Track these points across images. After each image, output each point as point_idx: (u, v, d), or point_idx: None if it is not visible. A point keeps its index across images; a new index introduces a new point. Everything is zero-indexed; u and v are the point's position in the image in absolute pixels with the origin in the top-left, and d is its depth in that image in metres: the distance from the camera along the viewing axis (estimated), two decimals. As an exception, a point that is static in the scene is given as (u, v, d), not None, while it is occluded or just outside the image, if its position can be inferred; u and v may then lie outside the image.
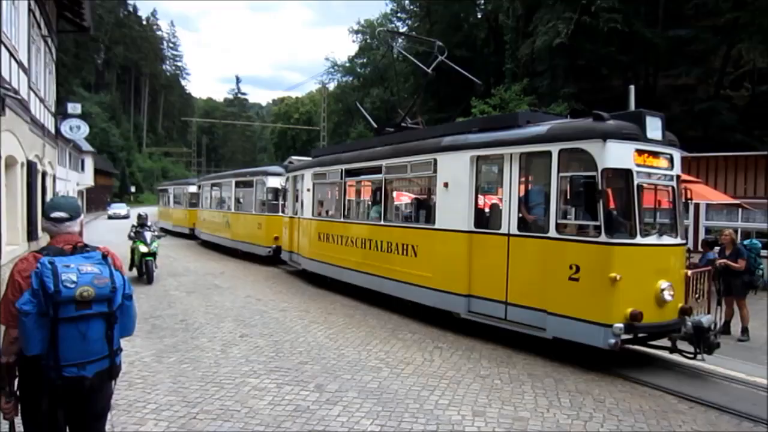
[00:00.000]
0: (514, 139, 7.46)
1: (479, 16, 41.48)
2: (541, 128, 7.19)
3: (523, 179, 7.52)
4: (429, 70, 12.11)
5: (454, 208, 8.22)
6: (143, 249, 12.47)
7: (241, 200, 19.61)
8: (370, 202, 11.82)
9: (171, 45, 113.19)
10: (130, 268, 12.56)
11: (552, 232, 6.74)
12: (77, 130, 22.98)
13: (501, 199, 7.65)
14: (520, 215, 7.30)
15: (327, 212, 13.11)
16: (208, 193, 23.45)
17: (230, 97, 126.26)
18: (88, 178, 47.38)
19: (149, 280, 12.32)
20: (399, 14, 53.62)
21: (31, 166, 11.90)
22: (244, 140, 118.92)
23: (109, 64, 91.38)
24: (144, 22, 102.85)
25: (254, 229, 17.38)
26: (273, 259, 16.35)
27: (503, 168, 7.54)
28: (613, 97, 26.10)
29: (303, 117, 79.30)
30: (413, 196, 12.15)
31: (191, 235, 26.03)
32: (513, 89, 27.80)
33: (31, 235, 11.71)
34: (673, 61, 27.89)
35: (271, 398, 5.36)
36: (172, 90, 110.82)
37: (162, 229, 28.97)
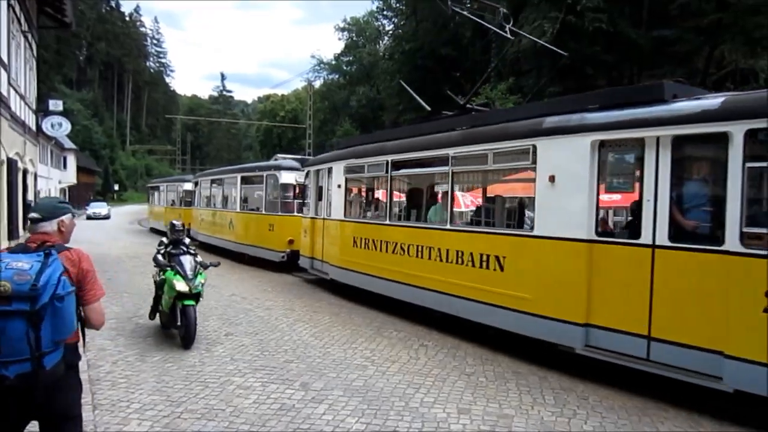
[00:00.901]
0: (662, 118, 5.59)
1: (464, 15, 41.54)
2: (708, 102, 5.40)
3: (677, 171, 5.58)
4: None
5: (564, 210, 6.37)
6: (181, 287, 7.01)
7: (248, 198, 17.55)
8: (426, 201, 9.71)
9: (155, 42, 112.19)
10: (152, 316, 7.87)
11: (733, 245, 4.92)
12: (59, 127, 22.67)
13: (640, 198, 5.81)
14: (674, 220, 5.48)
15: (365, 213, 11.33)
16: (207, 190, 21.08)
17: (215, 94, 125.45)
18: (70, 176, 46.82)
19: (187, 343, 6.98)
20: (385, 12, 53.56)
21: (11, 164, 11.72)
22: (230, 138, 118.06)
23: (91, 60, 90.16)
24: (127, 18, 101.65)
25: (264, 232, 15.28)
26: (287, 265, 14.46)
27: (644, 156, 5.71)
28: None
29: (289, 115, 78.95)
30: (499, 192, 9.68)
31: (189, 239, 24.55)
32: (499, 88, 27.93)
33: (12, 234, 11.53)
34: (657, 62, 28.22)
35: (256, 397, 5.34)
36: (156, 87, 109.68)
37: (152, 230, 28.08)
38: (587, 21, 24.23)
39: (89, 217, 42.78)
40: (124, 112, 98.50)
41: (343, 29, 64.06)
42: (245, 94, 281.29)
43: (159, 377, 5.84)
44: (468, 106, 9.59)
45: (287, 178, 14.92)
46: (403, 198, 10.84)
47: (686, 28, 25.88)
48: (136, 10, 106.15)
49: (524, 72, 29.88)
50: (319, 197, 12.35)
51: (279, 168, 15.26)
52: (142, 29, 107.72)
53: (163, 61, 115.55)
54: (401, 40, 42.59)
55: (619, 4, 25.89)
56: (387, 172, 9.72)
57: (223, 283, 12.68)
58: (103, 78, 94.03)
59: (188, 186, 24.45)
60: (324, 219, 11.86)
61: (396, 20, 48.98)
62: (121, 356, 6.58)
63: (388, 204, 9.86)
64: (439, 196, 9.85)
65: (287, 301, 10.62)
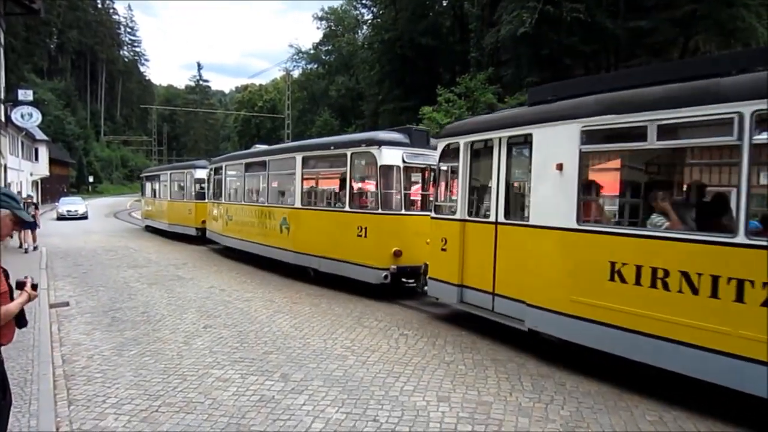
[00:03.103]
0: None
1: (444, 4, 41.55)
2: None
3: None
4: None
5: None
6: None
7: (315, 191, 12.45)
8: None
9: (129, 30, 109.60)
10: None
11: None
12: (29, 117, 22.14)
13: None
14: None
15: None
16: (236, 178, 16.14)
17: (192, 84, 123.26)
18: (42, 168, 45.73)
19: None
20: (364, 1, 53.24)
21: (-21, 155, 11.38)
22: (207, 128, 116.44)
23: (62, 49, 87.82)
24: (99, 6, 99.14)
25: (350, 238, 10.24)
26: (390, 289, 10.03)
27: None
28: (575, 87, 26.58)
29: (267, 105, 78.31)
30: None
31: (199, 239, 19.20)
32: (478, 78, 28.02)
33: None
34: (633, 52, 28.56)
35: (235, 389, 5.31)
36: (130, 76, 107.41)
37: (147, 228, 25.20)
38: (565, 11, 24.39)
39: (61, 217, 32.42)
40: (98, 102, 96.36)
41: (321, 18, 63.56)
42: (223, 83, 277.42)
43: (136, 371, 5.77)
44: None
45: (391, 157, 9.92)
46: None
47: (662, 18, 26.20)
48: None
49: (504, 62, 29.97)
50: (472, 191, 7.92)
51: (377, 142, 9.97)
52: (116, 17, 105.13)
53: (137, 49, 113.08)
54: (380, 29, 42.41)
55: (597, -5, 26.10)
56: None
57: (202, 275, 12.57)
58: (75, 67, 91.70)
59: (201, 173, 19.80)
60: (502, 224, 7.11)
61: (375, 9, 48.71)
62: (97, 351, 6.48)
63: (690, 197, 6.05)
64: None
65: (267, 292, 10.55)
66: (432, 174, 9.30)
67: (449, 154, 8.24)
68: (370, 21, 51.17)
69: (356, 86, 54.46)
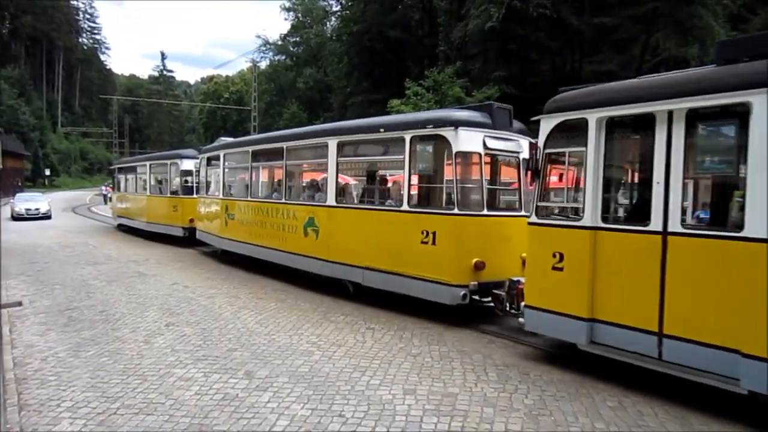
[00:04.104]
0: None
1: (413, -3, 41.49)
2: None
3: None
4: None
5: None
6: None
7: (350, 186, 11.08)
8: None
9: (88, 16, 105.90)
10: None
11: None
12: (-21, 106, 21.09)
13: None
14: None
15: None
16: (241, 169, 13.57)
17: (155, 74, 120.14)
18: (-5, 160, 43.80)
19: None
20: (332, -8, 52.76)
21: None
22: (172, 120, 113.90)
23: (15, 35, 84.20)
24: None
25: (410, 245, 8.02)
26: (464, 311, 7.80)
27: None
28: (543, 82, 27.04)
29: (233, 96, 77.06)
30: None
31: (186, 239, 16.83)
32: (446, 72, 28.08)
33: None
34: (597, 48, 29.14)
35: (198, 388, 5.19)
36: (90, 65, 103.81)
37: (121, 227, 22.54)
38: (532, 7, 24.66)
39: (18, 217, 27.01)
40: (55, 91, 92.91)
41: (288, 9, 62.69)
42: (188, 74, 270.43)
43: (93, 372, 5.58)
44: None
45: (470, 141, 7.69)
46: None
47: (625, 16, 26.76)
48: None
49: (472, 56, 30.11)
50: (619, 181, 6.34)
51: (452, 123, 7.69)
52: (74, 2, 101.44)
53: (97, 37, 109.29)
54: (349, 21, 42.07)
55: (562, -9, 26.46)
56: None
57: (165, 271, 12.27)
58: (30, 54, 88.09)
59: (188, 164, 17.40)
60: (680, 235, 4.99)
61: (343, 1, 48.30)
62: (52, 352, 6.24)
63: None
64: None
65: (232, 288, 10.37)
66: (530, 162, 6.50)
67: (563, 134, 6.09)
68: (338, 13, 50.75)
69: (324, 79, 54.02)
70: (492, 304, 7.42)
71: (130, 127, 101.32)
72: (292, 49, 64.86)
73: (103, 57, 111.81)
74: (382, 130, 8.91)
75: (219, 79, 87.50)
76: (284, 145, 11.08)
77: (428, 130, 8.02)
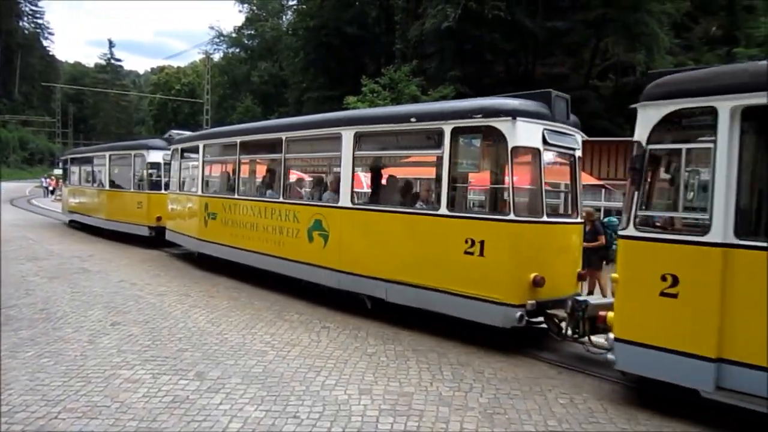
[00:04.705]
0: None
1: (371, -6, 41.43)
2: None
3: None
4: None
5: None
6: None
7: (385, 184, 9.17)
8: None
9: None
10: None
11: None
12: None
13: None
14: None
15: None
16: (226, 163, 12.21)
17: (102, 62, 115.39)
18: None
19: None
20: (288, -14, 52.03)
21: None
22: (119, 111, 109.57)
23: (-50, 16, 79.37)
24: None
25: (450, 255, 6.86)
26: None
27: None
28: (497, 82, 27.54)
29: (185, 88, 75.06)
30: None
31: (154, 239, 15.07)
32: (403, 70, 28.20)
33: None
34: (550, 51, 29.95)
35: (146, 390, 5.00)
36: (31, 50, 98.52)
37: (73, 224, 20.55)
38: (487, 8, 25.08)
39: None
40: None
41: (243, 1, 61.40)
42: (137, 63, 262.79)
43: (33, 375, 5.29)
44: None
45: (528, 135, 6.63)
46: None
47: (576, 20, 27.59)
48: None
49: (428, 55, 30.35)
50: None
51: (508, 113, 6.54)
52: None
53: (39, 21, 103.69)
54: (305, 15, 41.60)
55: (517, -6, 27.04)
56: None
57: (111, 268, 11.81)
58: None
59: (156, 156, 15.71)
60: None
61: (300, -4, 47.69)
62: (-13, 352, 5.89)
63: None
64: None
65: (182, 286, 10.08)
66: (633, 161, 5.04)
67: (676, 127, 5.10)
68: (295, 7, 50.09)
69: (280, 73, 53.24)
70: (545, 326, 6.60)
71: (74, 116, 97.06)
72: (246, 41, 63.61)
73: (46, 43, 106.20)
74: (413, 119, 7.54)
75: (170, 69, 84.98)
76: (283, 135, 9.58)
77: (476, 121, 6.74)
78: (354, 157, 8.26)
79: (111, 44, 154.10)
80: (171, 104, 74.61)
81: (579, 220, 7.35)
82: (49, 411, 4.52)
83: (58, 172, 52.22)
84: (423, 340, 6.89)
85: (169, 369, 5.57)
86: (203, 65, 63.26)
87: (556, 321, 6.34)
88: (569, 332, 6.13)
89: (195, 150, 12.68)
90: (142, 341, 6.49)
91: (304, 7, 44.14)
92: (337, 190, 8.55)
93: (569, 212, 7.51)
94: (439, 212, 6.99)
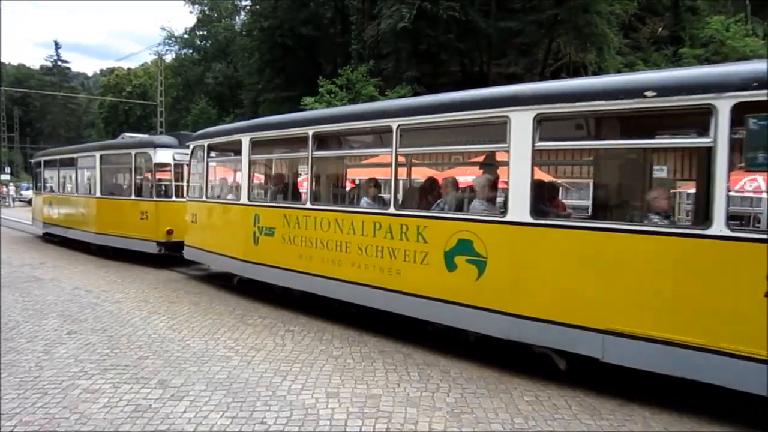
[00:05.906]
0: None
1: (326, -6, 41.25)
2: None
3: None
4: None
5: None
6: None
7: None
8: None
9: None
10: None
11: None
12: None
13: None
14: None
15: None
16: (290, 163, 10.29)
17: (48, 64, 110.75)
18: None
19: None
20: (242, -14, 51.22)
21: None
22: (68, 113, 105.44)
23: None
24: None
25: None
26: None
27: None
28: (452, 82, 27.92)
29: (137, 90, 72.90)
30: None
31: (161, 258, 12.75)
32: (359, 70, 28.23)
33: None
34: (503, 51, 30.53)
35: (106, 400, 4.87)
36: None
37: (48, 236, 17.79)
38: (442, 9, 25.39)
39: None
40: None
41: (193, 2, 60.03)
42: (85, 65, 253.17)
43: (-16, 389, 5.08)
44: None
45: None
46: None
47: (528, 21, 28.24)
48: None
49: (384, 55, 30.49)
50: None
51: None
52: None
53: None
54: (259, 16, 41.07)
55: (471, -5, 27.47)
56: None
57: (64, 275, 11.39)
58: None
59: (164, 155, 12.91)
60: None
61: (254, -5, 47.05)
62: (-68, 369, 5.61)
63: None
64: None
65: (140, 292, 9.82)
66: None
67: None
68: (248, 7, 49.35)
69: (235, 74, 52.38)
70: None
71: (20, 120, 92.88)
72: (199, 42, 62.24)
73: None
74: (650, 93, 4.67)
75: (121, 71, 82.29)
76: (394, 123, 6.73)
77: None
78: (533, 150, 5.47)
79: (57, 45, 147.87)
80: (122, 106, 72.29)
81: None
82: (4, 425, 4.35)
83: (5, 177, 49.81)
84: (388, 342, 6.92)
85: (130, 377, 5.44)
86: (155, 67, 61.59)
87: None
88: None
89: (234, 146, 9.77)
90: (101, 350, 6.31)
91: (257, 7, 43.58)
92: (493, 199, 6.42)
93: None
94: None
